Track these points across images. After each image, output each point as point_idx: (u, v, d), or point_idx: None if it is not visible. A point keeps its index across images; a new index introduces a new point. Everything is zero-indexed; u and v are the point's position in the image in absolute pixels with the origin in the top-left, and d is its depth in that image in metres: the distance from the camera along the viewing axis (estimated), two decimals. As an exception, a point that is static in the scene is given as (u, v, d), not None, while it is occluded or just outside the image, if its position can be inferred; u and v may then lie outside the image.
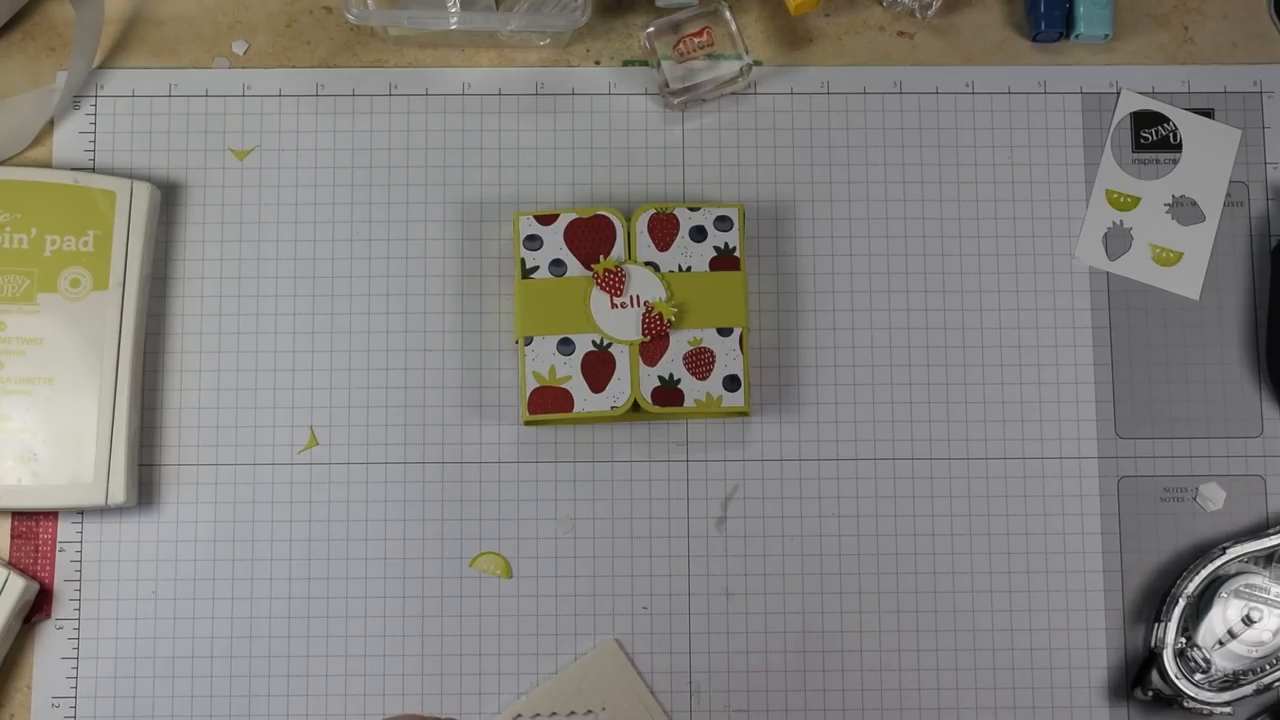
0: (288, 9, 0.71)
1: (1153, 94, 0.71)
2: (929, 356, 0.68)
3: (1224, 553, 0.65)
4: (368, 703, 0.65)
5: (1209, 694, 0.64)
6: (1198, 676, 0.64)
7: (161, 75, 0.70)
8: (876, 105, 0.70)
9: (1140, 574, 0.67)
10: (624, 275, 0.65)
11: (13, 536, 0.66)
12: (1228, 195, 0.70)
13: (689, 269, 0.66)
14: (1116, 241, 0.69)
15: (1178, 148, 0.70)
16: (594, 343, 0.65)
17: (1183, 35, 0.71)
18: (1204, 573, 0.65)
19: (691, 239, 0.66)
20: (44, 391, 0.65)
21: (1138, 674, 0.66)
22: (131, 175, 0.67)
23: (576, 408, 0.64)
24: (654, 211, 0.66)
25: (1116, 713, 0.66)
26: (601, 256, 0.65)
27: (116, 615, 0.66)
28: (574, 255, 0.66)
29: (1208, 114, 0.70)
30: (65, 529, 0.66)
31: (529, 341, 0.65)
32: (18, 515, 0.66)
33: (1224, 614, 0.65)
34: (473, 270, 0.69)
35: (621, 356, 0.65)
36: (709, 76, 0.69)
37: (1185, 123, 0.70)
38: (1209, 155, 0.70)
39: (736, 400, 0.65)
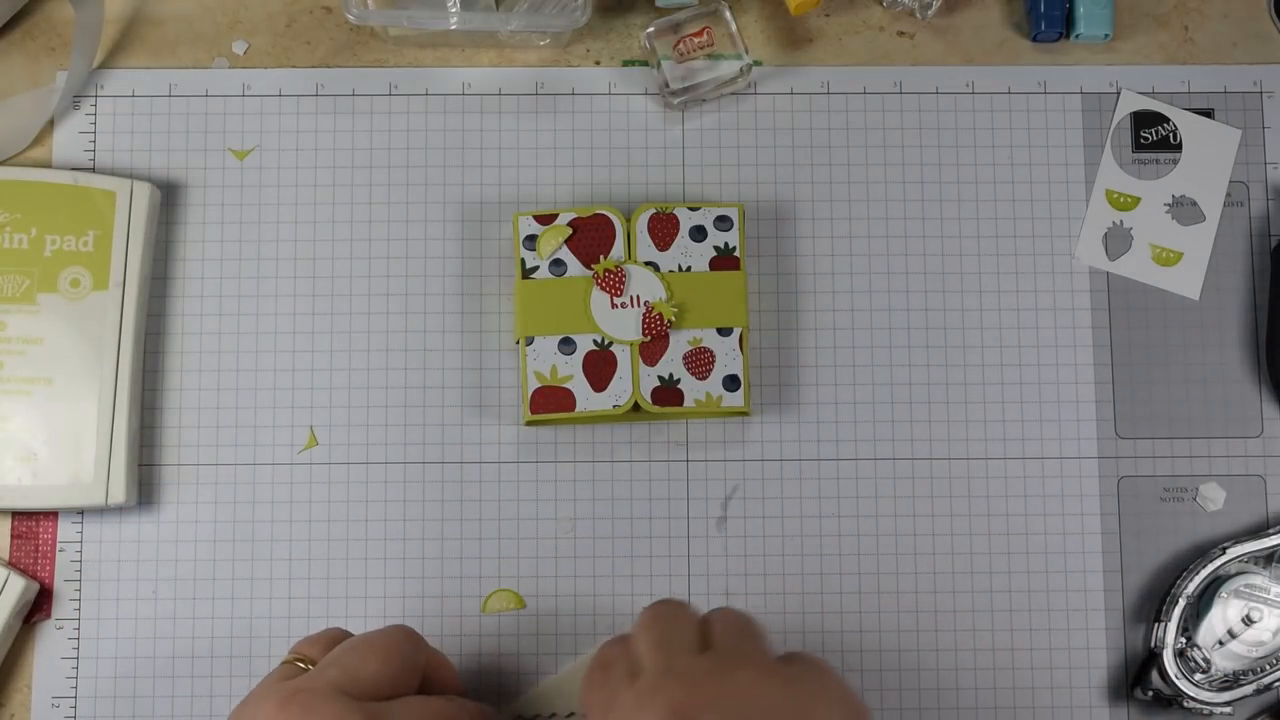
0: (288, 9, 0.71)
1: (1153, 94, 0.71)
2: (929, 356, 0.68)
3: (1224, 553, 0.65)
4: (368, 703, 0.65)
5: (1209, 694, 0.64)
6: (1198, 676, 0.64)
7: (161, 75, 0.70)
8: (876, 105, 0.70)
9: (1140, 574, 0.67)
10: (624, 275, 0.65)
11: (13, 536, 0.66)
12: (1228, 195, 0.70)
13: (689, 269, 0.66)
14: (1116, 241, 0.70)
15: (1178, 148, 0.70)
16: (595, 342, 0.65)
17: (1183, 35, 0.71)
18: (1204, 573, 0.65)
19: (691, 239, 0.66)
20: (44, 391, 0.65)
21: (1138, 674, 0.66)
22: (131, 175, 0.67)
23: (579, 407, 0.64)
24: (654, 211, 0.66)
25: (1116, 713, 0.66)
26: (601, 256, 0.66)
27: (116, 615, 0.66)
28: (574, 255, 0.66)
29: (1208, 114, 0.70)
30: (65, 529, 0.66)
31: (530, 341, 0.65)
32: (18, 515, 0.66)
33: (1224, 614, 0.65)
34: (473, 270, 0.69)
35: (623, 355, 0.65)
36: (709, 76, 0.69)
37: (1185, 123, 0.70)
38: (1209, 155, 0.70)
39: (736, 400, 0.65)
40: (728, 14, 0.69)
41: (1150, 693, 0.65)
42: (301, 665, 0.55)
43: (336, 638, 0.57)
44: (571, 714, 0.65)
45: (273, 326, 0.68)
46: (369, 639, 0.55)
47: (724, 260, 0.66)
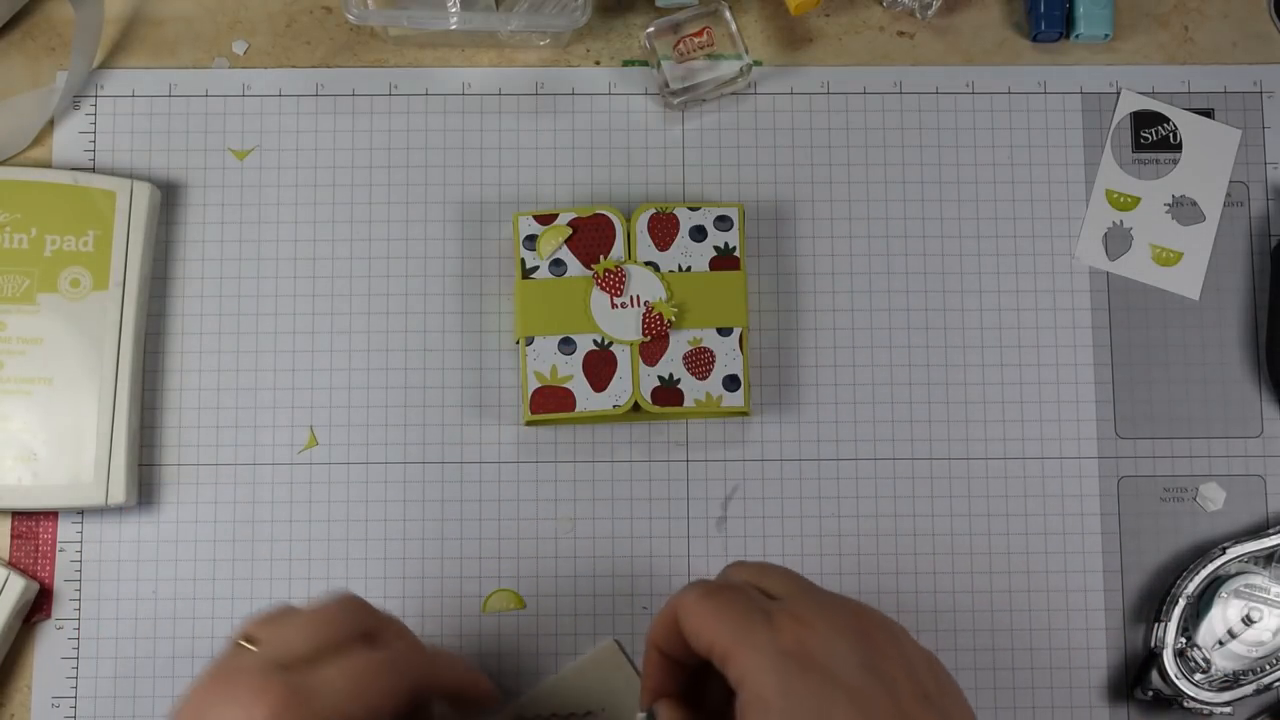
0: (288, 9, 0.71)
1: (1153, 94, 0.71)
2: (929, 356, 0.68)
3: (1224, 553, 0.65)
4: (368, 703, 0.65)
5: (1209, 694, 0.64)
6: (1198, 676, 0.64)
7: (161, 75, 0.70)
8: (876, 105, 0.70)
9: (1140, 574, 0.67)
10: (624, 275, 0.65)
11: (13, 536, 0.66)
12: (1228, 195, 0.70)
13: (689, 269, 0.66)
14: (1116, 241, 0.70)
15: (1178, 148, 0.70)
16: (595, 342, 0.65)
17: (1183, 35, 0.71)
18: (1204, 573, 0.65)
19: (691, 239, 0.66)
20: (44, 391, 0.65)
21: (1138, 674, 0.66)
22: (131, 175, 0.67)
23: (579, 407, 0.64)
24: (654, 211, 0.66)
25: (1116, 713, 0.66)
26: (601, 256, 0.65)
27: (116, 615, 0.66)
28: (574, 255, 0.66)
29: (1208, 114, 0.70)
30: (65, 529, 0.66)
31: (530, 341, 0.65)
32: (18, 515, 0.66)
33: (1224, 614, 0.65)
34: (473, 270, 0.69)
35: (623, 355, 0.65)
36: (709, 76, 0.69)
37: (1185, 123, 0.70)
38: (1209, 155, 0.70)
39: (736, 400, 0.65)
40: (728, 14, 0.69)
41: (1150, 693, 0.65)
42: (245, 645, 0.53)
43: (283, 614, 0.56)
44: (571, 714, 0.65)
45: (273, 326, 0.68)
46: (305, 611, 0.53)
47: (724, 260, 0.66)
